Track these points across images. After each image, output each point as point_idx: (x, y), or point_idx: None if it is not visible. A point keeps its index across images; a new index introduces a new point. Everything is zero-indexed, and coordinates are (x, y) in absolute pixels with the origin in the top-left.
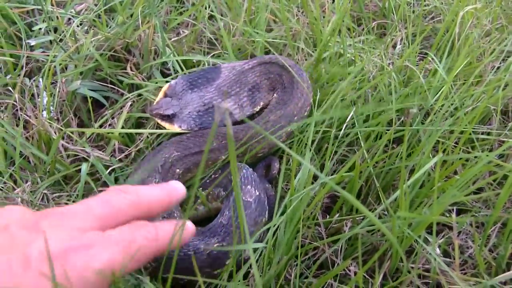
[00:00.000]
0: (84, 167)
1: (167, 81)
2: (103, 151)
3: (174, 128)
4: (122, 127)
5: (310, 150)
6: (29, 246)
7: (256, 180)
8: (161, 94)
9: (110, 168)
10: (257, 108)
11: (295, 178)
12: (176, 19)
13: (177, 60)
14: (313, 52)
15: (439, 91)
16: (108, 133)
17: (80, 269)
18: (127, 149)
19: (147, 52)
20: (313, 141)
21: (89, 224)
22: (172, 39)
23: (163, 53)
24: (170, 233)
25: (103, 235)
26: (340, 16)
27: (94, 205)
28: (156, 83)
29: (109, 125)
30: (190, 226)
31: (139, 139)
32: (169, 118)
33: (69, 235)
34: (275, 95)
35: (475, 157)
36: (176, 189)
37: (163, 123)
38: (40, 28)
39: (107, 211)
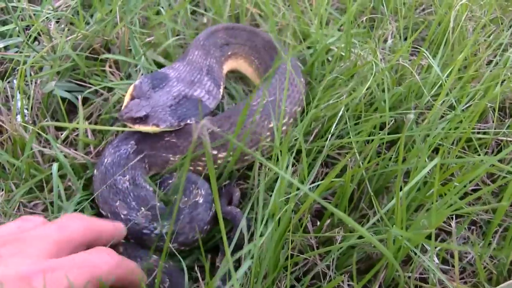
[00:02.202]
0: (55, 167)
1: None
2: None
3: (150, 129)
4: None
5: (292, 153)
6: None
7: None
8: (127, 97)
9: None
10: (222, 89)
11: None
12: (156, 16)
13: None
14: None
15: (433, 87)
16: (77, 135)
17: None
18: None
19: (125, 52)
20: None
21: (48, 249)
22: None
23: (136, 53)
24: (131, 266)
25: (65, 259)
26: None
27: (51, 231)
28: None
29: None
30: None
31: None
32: (143, 120)
33: (30, 260)
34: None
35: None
36: (121, 228)
37: (136, 127)
38: (15, 27)
39: (64, 236)
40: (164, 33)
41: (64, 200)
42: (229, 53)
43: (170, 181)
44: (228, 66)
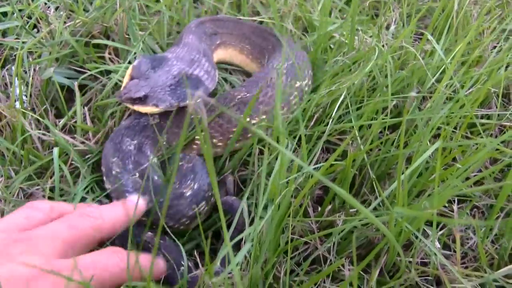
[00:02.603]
0: (56, 151)
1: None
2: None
3: (149, 109)
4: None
5: (287, 138)
6: None
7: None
8: (127, 78)
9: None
10: (217, 73)
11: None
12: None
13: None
14: (303, 34)
15: (437, 73)
16: (76, 122)
17: None
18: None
19: (123, 39)
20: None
21: (57, 249)
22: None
23: (134, 39)
24: (142, 265)
25: (75, 260)
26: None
27: (61, 230)
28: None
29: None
30: (161, 263)
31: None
32: (142, 100)
33: (39, 260)
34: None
35: (476, 143)
36: (136, 206)
37: (136, 107)
38: (13, 13)
39: (74, 235)
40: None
41: (71, 186)
42: (218, 42)
43: (181, 162)
44: (218, 55)
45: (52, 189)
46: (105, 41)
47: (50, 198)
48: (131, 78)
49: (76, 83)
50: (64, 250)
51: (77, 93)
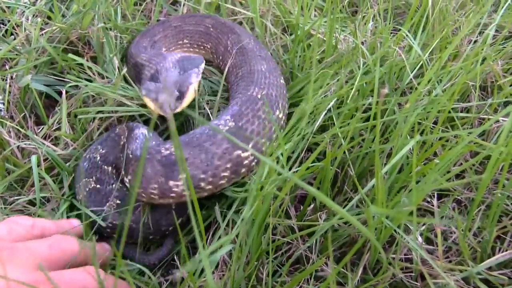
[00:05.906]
0: (34, 159)
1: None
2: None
3: (191, 92)
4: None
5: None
6: None
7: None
8: (152, 104)
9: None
10: None
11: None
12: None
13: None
14: (282, 33)
15: (415, 68)
16: (55, 130)
17: None
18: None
19: (99, 45)
20: None
21: (36, 263)
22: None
23: (110, 50)
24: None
25: (54, 274)
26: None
27: (42, 248)
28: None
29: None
30: None
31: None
32: (181, 96)
33: (21, 270)
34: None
35: (455, 136)
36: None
37: (184, 103)
38: None
39: (53, 255)
40: None
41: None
42: (164, 49)
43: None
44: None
45: (31, 203)
46: (78, 58)
47: (32, 203)
48: (155, 100)
49: (64, 91)
50: (44, 265)
51: (64, 101)
